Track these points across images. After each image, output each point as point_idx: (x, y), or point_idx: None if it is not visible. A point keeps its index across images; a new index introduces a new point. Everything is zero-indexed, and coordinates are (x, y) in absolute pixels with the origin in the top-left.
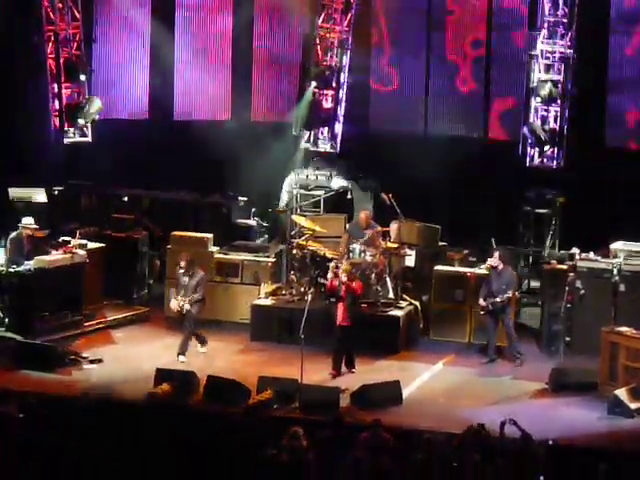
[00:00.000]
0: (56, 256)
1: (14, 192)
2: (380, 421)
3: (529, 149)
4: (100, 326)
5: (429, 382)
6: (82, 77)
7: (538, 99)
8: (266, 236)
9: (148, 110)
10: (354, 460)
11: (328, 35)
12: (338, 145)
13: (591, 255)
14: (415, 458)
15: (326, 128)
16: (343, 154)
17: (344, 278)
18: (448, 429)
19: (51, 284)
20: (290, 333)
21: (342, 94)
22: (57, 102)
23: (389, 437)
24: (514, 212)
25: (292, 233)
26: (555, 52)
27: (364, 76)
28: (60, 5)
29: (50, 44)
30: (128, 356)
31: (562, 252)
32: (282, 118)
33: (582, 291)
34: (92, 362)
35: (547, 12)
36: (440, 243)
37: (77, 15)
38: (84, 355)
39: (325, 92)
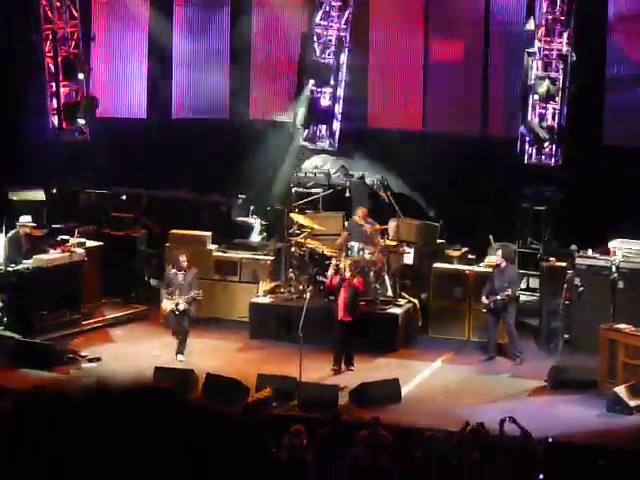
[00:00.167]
0: (54, 255)
1: (12, 191)
2: (379, 419)
3: (527, 147)
4: (99, 324)
5: (428, 380)
6: (80, 76)
7: (536, 97)
8: (265, 234)
9: (146, 109)
10: (353, 458)
11: (326, 33)
12: (336, 143)
13: (589, 252)
14: (414, 456)
15: (324, 126)
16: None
17: (348, 274)
18: (447, 427)
19: (49, 283)
20: (289, 331)
21: (340, 92)
22: (55, 101)
23: (388, 435)
24: (512, 209)
25: (290, 231)
26: (553, 49)
27: (362, 73)
28: (58, 4)
29: (48, 43)
30: (127, 354)
31: (560, 249)
32: (280, 116)
33: (581, 288)
34: (90, 361)
35: (545, 9)
36: (438, 241)
37: (75, 14)
38: (83, 354)
39: (323, 90)
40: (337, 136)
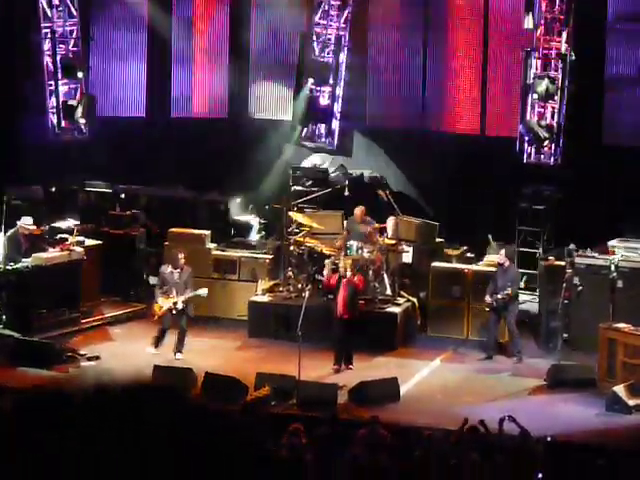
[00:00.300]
0: (53, 253)
1: (11, 189)
2: (378, 418)
3: (526, 146)
4: (97, 323)
5: (427, 379)
6: (79, 74)
7: (535, 96)
8: (263, 233)
9: (146, 107)
10: (352, 457)
11: (325, 32)
12: (335, 141)
13: (588, 252)
14: (413, 455)
15: (323, 125)
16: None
17: (349, 273)
18: (446, 426)
19: (48, 281)
20: (288, 330)
21: (339, 91)
22: (54, 99)
23: (387, 434)
24: (511, 209)
25: (289, 230)
26: (552, 49)
27: (361, 72)
28: (57, 2)
29: (47, 41)
30: (125, 353)
31: (557, 248)
32: (279, 115)
33: (580, 288)
34: (89, 359)
35: (544, 8)
36: (437, 239)
37: (74, 12)
38: (82, 352)
39: (322, 89)
40: (336, 135)
